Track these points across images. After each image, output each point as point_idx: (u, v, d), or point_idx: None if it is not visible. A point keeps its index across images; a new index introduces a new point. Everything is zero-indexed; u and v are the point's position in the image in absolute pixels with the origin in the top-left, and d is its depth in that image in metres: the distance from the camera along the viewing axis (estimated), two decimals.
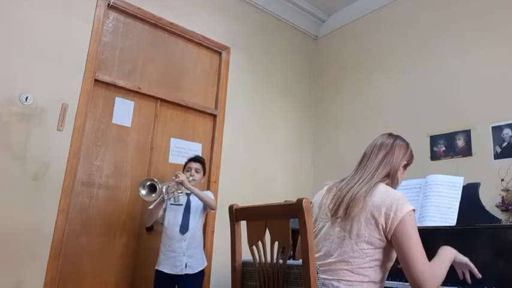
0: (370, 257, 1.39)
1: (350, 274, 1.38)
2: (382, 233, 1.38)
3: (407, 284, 1.96)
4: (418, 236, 1.38)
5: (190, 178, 2.66)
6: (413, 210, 1.41)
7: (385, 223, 1.37)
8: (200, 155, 3.18)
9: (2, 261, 2.27)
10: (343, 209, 1.44)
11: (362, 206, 1.41)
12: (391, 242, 1.39)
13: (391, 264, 1.46)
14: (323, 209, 1.54)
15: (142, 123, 3.05)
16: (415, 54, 3.41)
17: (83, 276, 2.61)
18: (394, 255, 1.44)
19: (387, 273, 1.46)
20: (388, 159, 1.55)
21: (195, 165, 2.73)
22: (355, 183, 1.49)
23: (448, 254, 1.51)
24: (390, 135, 1.66)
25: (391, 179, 1.55)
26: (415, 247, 1.35)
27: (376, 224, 1.39)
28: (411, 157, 1.64)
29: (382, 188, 1.46)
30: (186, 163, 2.78)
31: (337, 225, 1.46)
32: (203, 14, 3.48)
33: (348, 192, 1.47)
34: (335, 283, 1.38)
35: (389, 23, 3.70)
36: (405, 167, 1.61)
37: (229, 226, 1.57)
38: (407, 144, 1.65)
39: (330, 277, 1.39)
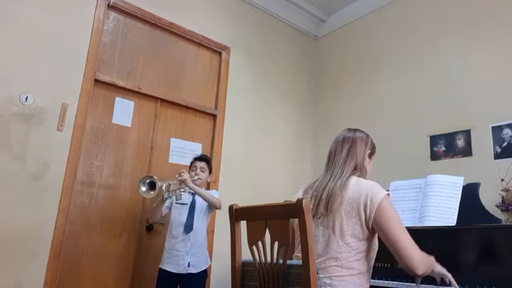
0: (356, 250, 1.44)
1: (340, 269, 1.42)
2: (364, 224, 1.44)
3: (407, 284, 1.97)
4: (398, 217, 1.45)
5: (196, 177, 2.65)
6: (388, 194, 1.47)
7: (365, 212, 1.43)
8: None
9: (2, 261, 2.27)
10: (323, 206, 1.49)
11: (340, 200, 1.47)
12: (373, 231, 1.46)
13: (374, 254, 1.52)
14: None
15: (142, 123, 3.05)
16: (415, 54, 3.41)
17: (83, 276, 2.61)
18: (376, 245, 1.51)
19: (372, 263, 1.52)
20: (352, 152, 1.62)
21: (200, 164, 2.72)
22: (328, 180, 1.56)
23: (432, 260, 1.53)
24: (349, 130, 1.72)
25: (360, 170, 1.61)
26: (398, 228, 1.42)
27: (357, 215, 1.44)
28: (373, 146, 1.72)
29: (354, 181, 1.53)
30: (192, 162, 2.78)
31: (319, 225, 1.50)
32: (203, 14, 3.48)
33: (323, 190, 1.53)
34: (327, 280, 1.41)
35: (390, 23, 3.70)
36: (370, 156, 1.69)
37: (229, 226, 1.57)
38: (367, 135, 1.72)
39: (321, 275, 1.42)
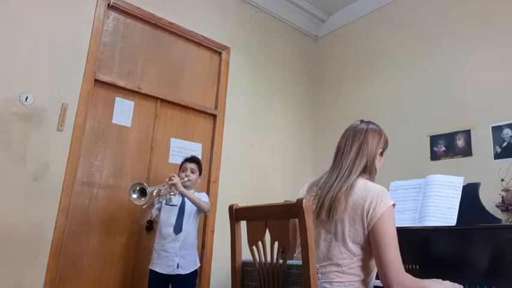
0: (358, 256, 1.40)
1: (341, 275, 1.38)
2: (366, 230, 1.38)
3: None
4: (396, 234, 1.37)
5: (186, 178, 2.65)
6: (393, 205, 1.40)
7: (366, 219, 1.37)
8: (200, 155, 3.19)
9: (2, 261, 2.27)
10: (326, 212, 1.42)
11: (344, 206, 1.39)
12: (369, 237, 1.38)
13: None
14: None
15: (143, 123, 3.05)
16: (415, 54, 3.41)
17: (83, 276, 2.61)
18: None
19: (375, 269, 1.45)
20: (363, 150, 1.50)
21: (191, 166, 2.73)
22: (334, 181, 1.47)
23: (432, 285, 1.44)
24: (362, 122, 1.61)
25: (369, 170, 1.51)
26: (391, 248, 1.33)
27: (360, 222, 1.38)
28: (386, 143, 1.59)
29: (361, 184, 1.44)
30: (182, 163, 2.77)
31: (321, 228, 1.45)
32: (203, 14, 3.48)
33: (328, 192, 1.45)
34: (327, 286, 1.38)
35: (390, 23, 3.70)
36: (381, 154, 1.57)
37: (229, 226, 1.57)
38: (381, 129, 1.60)
39: (321, 280, 1.38)
